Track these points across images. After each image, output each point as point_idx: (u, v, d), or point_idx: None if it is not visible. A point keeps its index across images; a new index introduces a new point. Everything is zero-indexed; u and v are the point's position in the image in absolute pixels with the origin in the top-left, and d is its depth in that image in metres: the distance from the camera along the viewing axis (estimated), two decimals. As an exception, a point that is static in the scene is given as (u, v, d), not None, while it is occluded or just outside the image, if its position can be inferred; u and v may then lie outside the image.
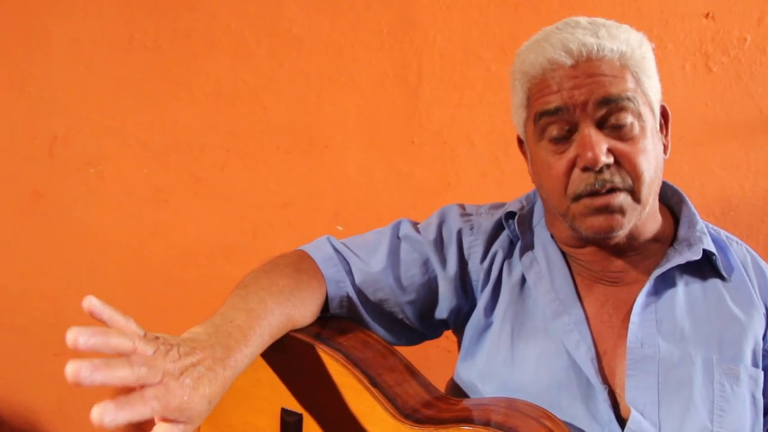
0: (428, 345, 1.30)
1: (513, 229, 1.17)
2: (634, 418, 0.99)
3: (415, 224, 1.22)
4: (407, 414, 0.97)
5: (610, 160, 0.97)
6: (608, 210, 0.99)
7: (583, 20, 1.03)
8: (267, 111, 1.85)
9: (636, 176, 0.98)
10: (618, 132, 0.98)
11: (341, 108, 1.79)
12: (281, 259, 1.11)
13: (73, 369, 0.64)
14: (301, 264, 1.11)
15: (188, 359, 0.76)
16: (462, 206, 1.24)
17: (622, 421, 1.01)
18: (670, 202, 1.17)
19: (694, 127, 1.56)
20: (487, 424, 0.92)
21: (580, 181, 0.99)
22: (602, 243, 1.06)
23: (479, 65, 1.69)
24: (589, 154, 0.96)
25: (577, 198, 1.00)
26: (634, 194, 0.99)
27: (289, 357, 1.03)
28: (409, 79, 1.73)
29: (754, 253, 1.14)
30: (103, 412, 0.64)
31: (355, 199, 1.79)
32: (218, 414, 1.11)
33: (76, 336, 0.66)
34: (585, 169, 0.98)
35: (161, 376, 0.71)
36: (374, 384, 0.98)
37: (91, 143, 2.01)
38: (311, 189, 1.83)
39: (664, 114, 1.09)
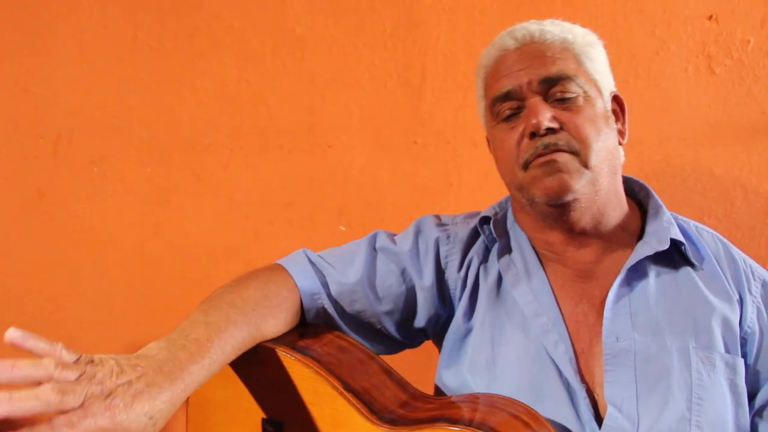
0: (429, 344, 1.30)
1: (488, 233, 1.19)
2: (611, 414, 1.00)
3: (391, 236, 1.24)
4: (382, 416, 0.97)
5: (555, 125, 1.04)
6: (553, 167, 1.03)
7: (533, 21, 1.14)
8: (270, 111, 1.86)
9: (581, 140, 1.04)
10: (563, 103, 1.06)
11: (344, 108, 1.80)
12: (251, 273, 1.12)
13: None
14: (271, 275, 1.12)
15: (123, 378, 0.76)
16: (438, 217, 1.27)
17: (602, 419, 1.02)
18: (638, 196, 1.20)
19: (696, 129, 1.56)
20: (460, 421, 0.93)
21: (528, 147, 1.06)
22: (564, 221, 1.08)
23: (482, 66, 1.69)
24: (534, 120, 1.03)
25: (527, 165, 1.06)
26: (580, 158, 1.04)
27: (267, 368, 1.03)
28: (412, 80, 1.74)
29: (726, 242, 1.15)
30: None
31: (358, 198, 1.80)
32: (201, 428, 1.11)
33: None
34: (532, 136, 1.04)
35: (83, 399, 0.72)
36: (348, 389, 0.99)
37: (95, 142, 2.01)
38: (314, 189, 1.83)
39: (620, 103, 1.14)
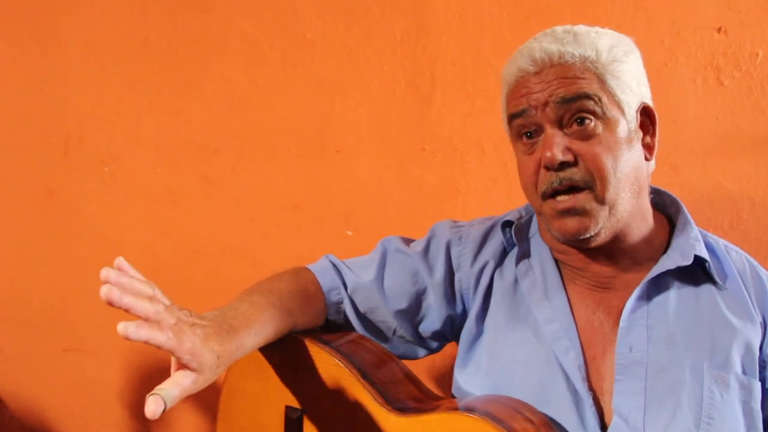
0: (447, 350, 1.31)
1: (509, 237, 1.20)
2: (616, 423, 1.01)
3: (406, 240, 1.28)
4: (395, 405, 1.03)
5: (569, 158, 1.01)
6: (572, 213, 1.02)
7: (559, 29, 1.08)
8: (279, 114, 1.87)
9: (598, 174, 1.01)
10: (580, 131, 1.02)
11: (353, 113, 1.80)
12: (280, 272, 1.19)
13: (107, 289, 0.77)
14: (299, 273, 1.20)
15: (198, 321, 0.87)
16: (454, 221, 1.29)
17: (607, 427, 1.02)
18: (668, 210, 1.19)
19: (704, 141, 1.56)
20: (468, 410, 0.98)
21: (545, 179, 1.04)
22: (584, 247, 1.08)
23: (491, 73, 1.70)
24: (548, 153, 1.01)
25: (545, 197, 1.05)
26: (596, 194, 1.02)
27: (294, 357, 1.11)
28: (421, 86, 1.74)
29: (755, 263, 1.14)
30: (127, 326, 0.76)
31: (366, 203, 1.80)
32: (230, 415, 1.20)
33: (108, 272, 0.79)
34: (547, 168, 1.03)
35: (176, 320, 0.82)
36: (365, 377, 1.05)
37: (105, 143, 2.03)
38: (322, 193, 1.84)
39: (650, 114, 1.10)
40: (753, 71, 1.52)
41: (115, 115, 2.00)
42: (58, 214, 2.09)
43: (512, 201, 1.61)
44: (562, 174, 1.02)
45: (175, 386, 0.81)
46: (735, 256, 1.13)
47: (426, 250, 1.24)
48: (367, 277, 1.21)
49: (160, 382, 0.83)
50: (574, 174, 1.01)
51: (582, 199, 1.02)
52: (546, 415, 1.02)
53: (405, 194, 1.77)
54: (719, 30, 1.54)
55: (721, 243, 1.15)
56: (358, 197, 1.81)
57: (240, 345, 0.92)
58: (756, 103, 1.53)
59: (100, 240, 2.05)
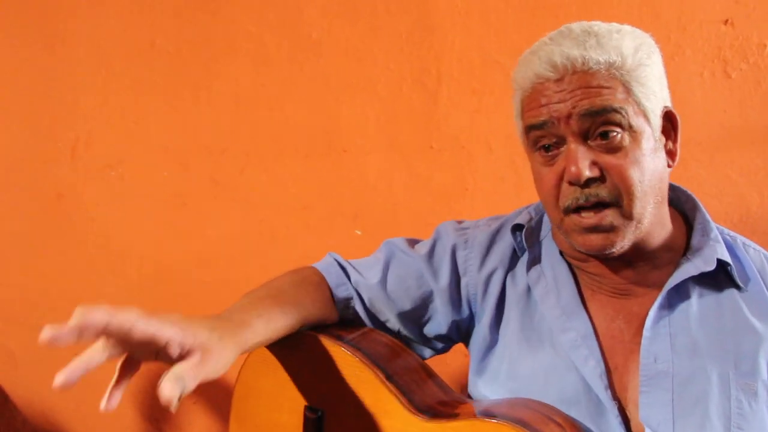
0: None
1: (520, 241, 1.16)
2: None
3: (412, 242, 1.24)
4: (422, 409, 1.00)
5: (595, 173, 0.96)
6: (598, 230, 0.98)
7: (576, 28, 1.00)
8: (286, 115, 1.87)
9: (625, 189, 0.96)
10: (606, 144, 0.96)
11: (360, 112, 1.80)
12: (283, 273, 1.17)
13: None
14: (302, 269, 1.19)
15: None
16: (459, 222, 1.25)
17: None
18: (684, 207, 1.14)
19: (712, 134, 1.56)
20: (497, 416, 0.95)
21: (568, 194, 0.98)
22: (604, 257, 1.03)
23: (497, 70, 1.70)
24: (573, 169, 0.96)
25: (567, 211, 0.99)
26: (623, 209, 0.97)
27: (311, 355, 1.08)
28: (427, 84, 1.74)
29: None
30: None
31: (374, 202, 1.80)
32: (244, 415, 1.17)
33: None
34: (571, 183, 0.97)
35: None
36: (390, 379, 1.02)
37: (113, 146, 2.03)
38: (330, 192, 1.84)
39: (672, 119, 1.04)
40: (760, 63, 1.52)
41: (122, 117, 2.01)
42: (66, 218, 2.09)
43: (520, 198, 1.61)
44: (588, 190, 0.96)
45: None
46: (753, 254, 1.09)
47: (431, 253, 1.20)
48: (372, 278, 1.18)
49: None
50: (601, 190, 0.96)
51: (609, 215, 0.97)
52: (575, 419, 0.99)
53: (413, 193, 1.77)
54: (726, 22, 1.53)
55: (739, 240, 1.10)
56: (367, 196, 1.81)
57: (241, 321, 0.91)
58: (764, 95, 1.52)
59: (109, 243, 2.06)
